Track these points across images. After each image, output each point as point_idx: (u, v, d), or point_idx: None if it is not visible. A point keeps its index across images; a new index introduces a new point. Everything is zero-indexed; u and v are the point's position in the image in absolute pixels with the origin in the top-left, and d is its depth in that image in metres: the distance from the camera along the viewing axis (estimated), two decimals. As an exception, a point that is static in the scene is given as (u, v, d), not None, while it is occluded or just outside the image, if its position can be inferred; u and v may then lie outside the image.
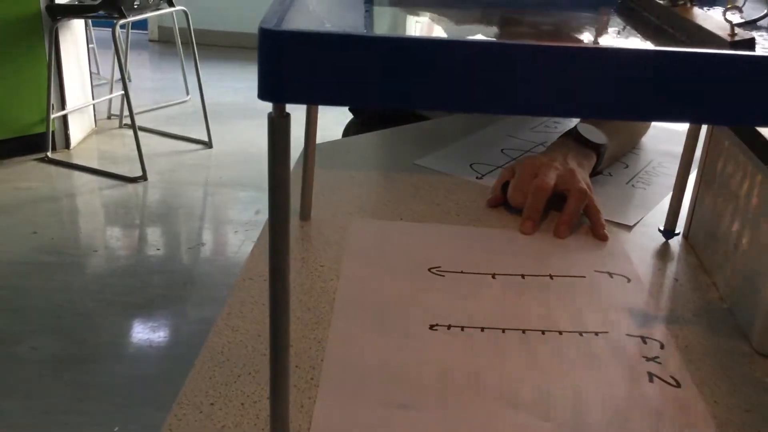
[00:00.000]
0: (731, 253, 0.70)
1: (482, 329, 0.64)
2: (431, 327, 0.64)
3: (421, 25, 0.63)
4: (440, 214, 0.85)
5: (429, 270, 0.73)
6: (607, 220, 0.83)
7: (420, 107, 0.38)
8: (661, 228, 0.82)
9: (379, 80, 0.38)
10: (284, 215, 0.42)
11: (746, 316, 0.65)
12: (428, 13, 0.66)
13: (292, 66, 0.38)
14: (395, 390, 0.56)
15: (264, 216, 2.78)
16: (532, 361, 0.60)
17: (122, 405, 1.78)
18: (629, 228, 0.84)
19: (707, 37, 0.46)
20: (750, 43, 0.44)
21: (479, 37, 0.58)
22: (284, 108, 0.40)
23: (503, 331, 0.64)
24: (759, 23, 0.53)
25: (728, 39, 0.44)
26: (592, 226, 0.82)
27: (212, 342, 0.61)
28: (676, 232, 0.81)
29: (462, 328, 0.64)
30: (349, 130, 1.64)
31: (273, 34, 0.38)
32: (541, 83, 0.38)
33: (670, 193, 0.93)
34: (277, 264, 0.43)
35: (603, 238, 0.80)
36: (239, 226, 2.70)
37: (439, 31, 0.62)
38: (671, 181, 0.97)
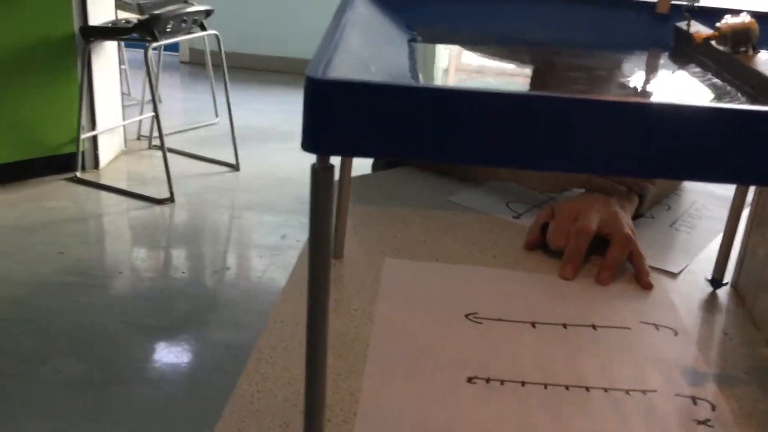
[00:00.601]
0: (786, 308, 0.67)
1: (523, 383, 0.61)
2: (469, 380, 0.61)
3: (466, 68, 0.61)
4: (476, 255, 0.82)
5: (466, 316, 0.70)
6: (650, 267, 0.80)
7: (469, 163, 0.35)
8: (709, 277, 0.79)
9: (429, 132, 0.36)
10: (325, 271, 0.40)
11: (804, 377, 0.62)
12: (473, 51, 0.64)
13: (339, 116, 0.36)
14: (432, 449, 0.53)
15: (290, 240, 2.76)
16: (577, 422, 0.57)
17: (143, 428, 1.76)
18: (674, 275, 0.81)
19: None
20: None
21: (527, 82, 0.56)
22: (328, 160, 0.38)
23: (545, 386, 0.61)
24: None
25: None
26: (636, 273, 0.78)
27: (242, 389, 0.58)
28: (725, 281, 0.78)
29: (501, 382, 0.61)
30: (378, 162, 1.63)
31: (319, 84, 0.36)
32: (598, 139, 0.36)
33: (716, 238, 0.90)
34: (315, 323, 0.41)
35: (647, 286, 0.77)
36: (264, 251, 2.68)
37: (488, 73, 0.60)
38: (716, 224, 0.94)
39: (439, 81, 0.57)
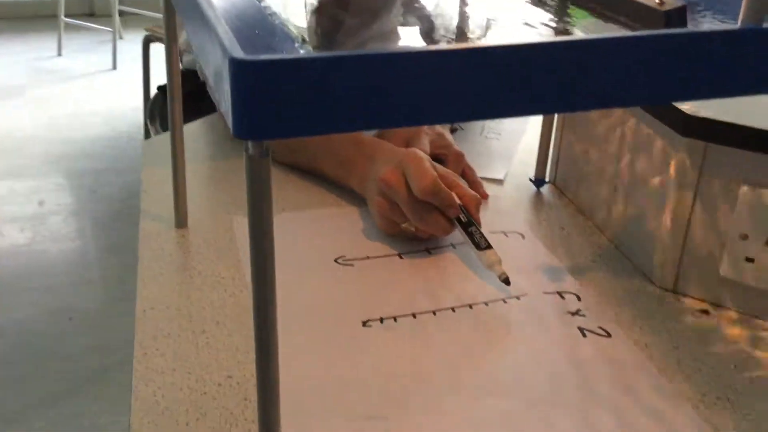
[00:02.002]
0: (609, 195, 0.74)
1: (414, 315, 0.63)
2: (364, 324, 0.62)
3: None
4: (317, 198, 0.82)
5: (335, 261, 0.70)
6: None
7: (427, 122, 0.35)
8: (532, 177, 0.85)
9: (379, 100, 0.34)
10: (270, 268, 0.38)
11: (641, 254, 0.70)
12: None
13: (275, 97, 0.33)
14: (355, 402, 0.53)
15: (49, 206, 2.54)
16: (474, 339, 0.60)
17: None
18: (500, 182, 0.86)
19: (638, 9, 0.47)
20: (681, 12, 0.45)
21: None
22: (265, 146, 0.36)
23: (434, 313, 0.63)
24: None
25: (659, 8, 0.45)
26: (471, 186, 0.82)
27: (139, 390, 0.54)
28: (546, 180, 0.85)
29: (394, 318, 0.62)
30: (155, 107, 1.53)
31: (248, 65, 0.33)
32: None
33: (523, 140, 0.97)
34: (263, 321, 0.39)
35: (484, 196, 0.82)
36: (24, 222, 2.45)
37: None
38: (518, 126, 1.01)
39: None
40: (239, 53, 0.33)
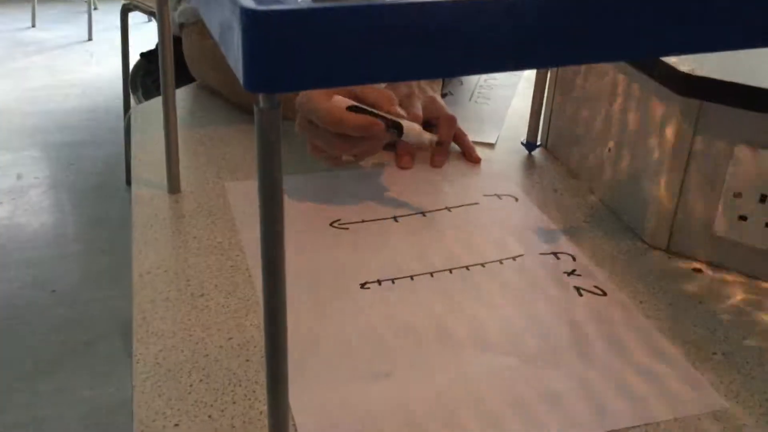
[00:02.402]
0: (602, 156, 0.75)
1: (411, 278, 0.63)
2: (362, 286, 0.62)
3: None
4: (314, 162, 0.81)
5: (331, 225, 0.70)
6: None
7: (439, 76, 0.35)
8: (523, 141, 0.85)
9: (393, 51, 0.34)
10: (279, 226, 0.38)
11: (634, 214, 0.71)
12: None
13: (287, 49, 0.33)
14: (359, 361, 0.54)
15: (28, 179, 2.51)
16: (472, 298, 0.61)
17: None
18: (492, 146, 0.87)
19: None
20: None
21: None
22: (275, 98, 0.35)
23: (431, 275, 0.64)
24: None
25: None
26: (463, 150, 0.83)
27: (141, 354, 0.54)
28: (538, 143, 0.85)
29: (392, 280, 0.63)
30: (137, 76, 1.51)
31: (261, 15, 0.32)
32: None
33: (512, 104, 0.97)
34: (272, 281, 0.39)
35: (476, 160, 0.82)
36: (3, 196, 2.42)
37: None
38: (507, 91, 1.01)
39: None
40: (251, 3, 0.33)
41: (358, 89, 0.72)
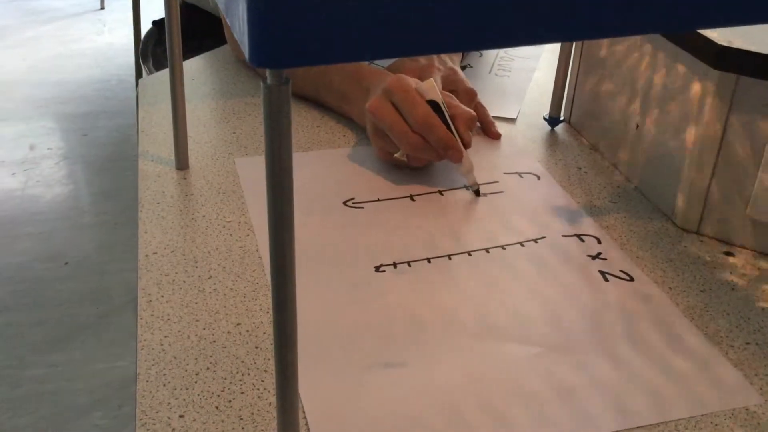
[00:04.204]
0: (630, 133, 0.71)
1: (429, 260, 0.60)
2: (377, 269, 0.59)
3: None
4: (324, 137, 0.78)
5: (344, 204, 0.67)
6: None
7: (456, 50, 0.31)
8: (546, 115, 0.82)
9: (406, 25, 0.31)
10: (288, 208, 0.35)
11: (664, 194, 0.67)
12: None
13: (297, 22, 0.30)
14: (372, 349, 0.51)
15: (41, 150, 2.49)
16: (491, 283, 0.58)
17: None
18: (512, 121, 0.83)
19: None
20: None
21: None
22: (283, 74, 0.32)
23: (449, 257, 0.61)
24: None
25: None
26: (483, 126, 0.79)
27: (145, 339, 0.52)
28: (561, 118, 0.81)
29: (408, 263, 0.60)
30: (148, 45, 1.48)
31: (267, -17, 0.29)
32: None
33: (533, 77, 0.93)
34: (282, 264, 0.36)
35: (496, 136, 0.79)
36: (16, 167, 2.40)
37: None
38: (529, 63, 0.97)
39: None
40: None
41: (446, 96, 0.70)
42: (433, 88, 0.68)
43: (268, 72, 0.32)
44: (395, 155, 0.70)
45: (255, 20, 0.30)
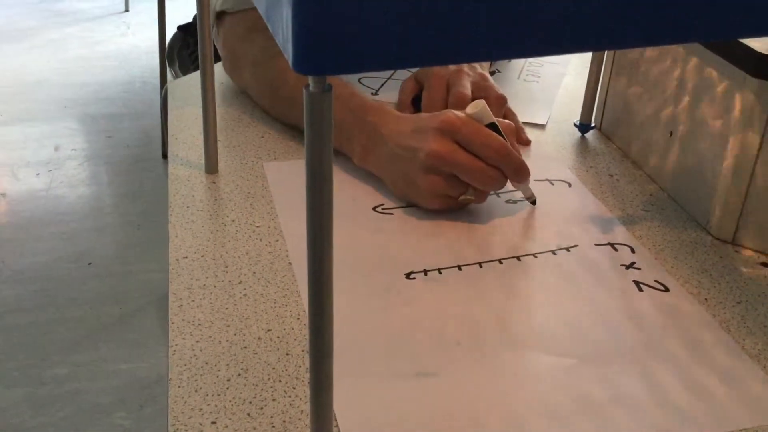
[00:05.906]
0: (664, 141, 0.70)
1: (459, 268, 0.60)
2: (407, 276, 0.59)
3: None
4: (352, 142, 0.78)
5: (374, 209, 0.67)
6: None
7: (508, 57, 0.31)
8: (576, 122, 0.81)
9: (457, 31, 0.31)
10: (327, 213, 0.35)
11: (698, 203, 0.66)
12: None
13: (341, 28, 0.29)
14: (404, 359, 0.51)
15: (65, 151, 2.51)
16: (523, 293, 0.57)
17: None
18: (542, 127, 0.82)
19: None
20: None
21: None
22: (326, 80, 0.32)
23: (480, 265, 0.60)
24: None
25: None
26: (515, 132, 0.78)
27: (177, 344, 0.52)
28: (592, 124, 0.81)
29: (439, 270, 0.59)
30: (174, 49, 1.49)
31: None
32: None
33: (563, 82, 0.92)
34: (319, 271, 0.35)
35: (526, 142, 0.78)
36: (40, 167, 2.42)
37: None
38: (558, 68, 0.96)
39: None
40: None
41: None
42: (485, 109, 0.64)
43: (310, 79, 0.32)
44: (462, 198, 0.65)
45: (299, 27, 0.29)
